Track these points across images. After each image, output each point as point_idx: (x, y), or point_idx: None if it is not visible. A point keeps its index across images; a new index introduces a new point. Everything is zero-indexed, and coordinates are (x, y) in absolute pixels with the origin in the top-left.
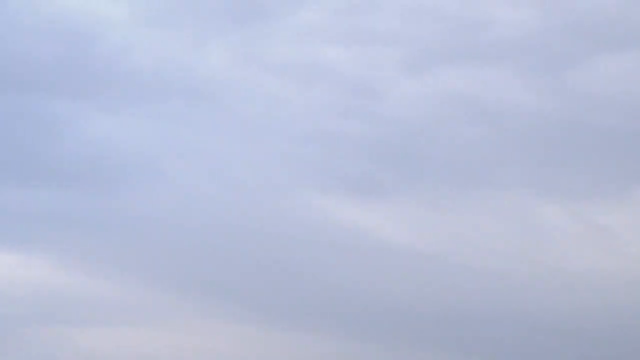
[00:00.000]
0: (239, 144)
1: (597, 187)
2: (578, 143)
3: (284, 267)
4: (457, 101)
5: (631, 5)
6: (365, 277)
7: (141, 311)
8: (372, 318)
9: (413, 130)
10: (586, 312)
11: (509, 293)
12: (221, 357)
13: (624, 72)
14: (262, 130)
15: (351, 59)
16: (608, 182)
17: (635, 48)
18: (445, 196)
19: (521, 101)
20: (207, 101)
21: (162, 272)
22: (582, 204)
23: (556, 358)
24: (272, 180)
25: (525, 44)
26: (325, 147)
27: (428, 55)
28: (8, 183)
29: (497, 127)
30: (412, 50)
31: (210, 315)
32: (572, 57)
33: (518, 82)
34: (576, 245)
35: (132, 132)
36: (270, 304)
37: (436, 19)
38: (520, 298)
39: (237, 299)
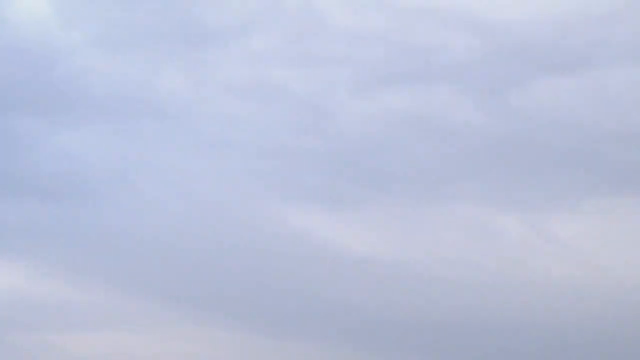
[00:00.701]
0: (203, 160)
1: (551, 200)
2: (529, 159)
3: (253, 276)
4: (408, 119)
5: (568, 31)
6: (330, 284)
7: (114, 316)
8: (338, 324)
9: (367, 146)
10: (543, 317)
11: (469, 300)
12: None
13: (565, 94)
14: (224, 147)
15: (303, 80)
16: (561, 196)
17: (573, 71)
18: (406, 208)
19: (469, 120)
20: (169, 120)
21: (132, 280)
22: (537, 216)
23: None
24: (239, 192)
25: (471, 68)
26: (287, 162)
27: (378, 77)
28: None
29: (448, 144)
30: (362, 72)
31: (183, 321)
32: (515, 80)
33: (465, 102)
34: (532, 254)
35: (99, 148)
36: (241, 311)
37: (386, 43)
38: (481, 304)
39: (206, 306)
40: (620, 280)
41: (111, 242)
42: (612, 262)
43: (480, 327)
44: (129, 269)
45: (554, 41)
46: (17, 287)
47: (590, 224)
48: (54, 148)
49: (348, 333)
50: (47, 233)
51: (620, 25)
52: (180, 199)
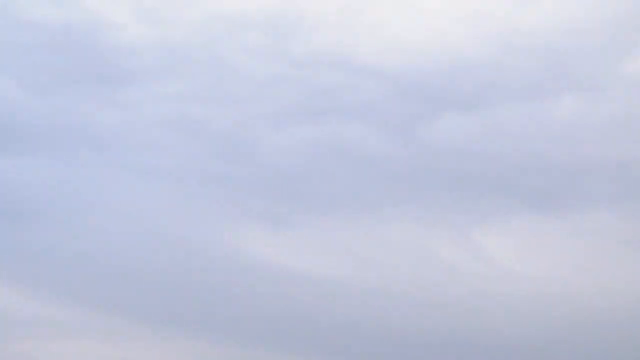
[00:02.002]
0: (142, 186)
1: (480, 219)
2: (447, 184)
3: (203, 291)
4: (326, 150)
5: (463, 74)
6: (270, 297)
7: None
8: (276, 332)
9: (291, 173)
10: (474, 329)
11: (404, 311)
12: None
13: (464, 128)
14: (159, 174)
15: (224, 116)
16: (490, 215)
17: (469, 109)
18: (340, 228)
19: (384, 150)
20: (107, 150)
21: (84, 295)
22: (466, 234)
23: None
24: (181, 215)
25: (379, 106)
26: (221, 187)
27: (293, 113)
28: None
29: (368, 171)
30: (278, 109)
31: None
32: (419, 116)
33: (378, 135)
34: (463, 269)
35: (42, 175)
36: (189, 322)
37: (297, 84)
38: (414, 316)
39: (156, 318)
40: (543, 291)
41: (56, 263)
42: (535, 274)
43: (412, 340)
44: (80, 288)
45: (450, 82)
46: None
47: (514, 242)
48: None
49: (288, 339)
50: None
51: (506, 69)
52: (121, 222)
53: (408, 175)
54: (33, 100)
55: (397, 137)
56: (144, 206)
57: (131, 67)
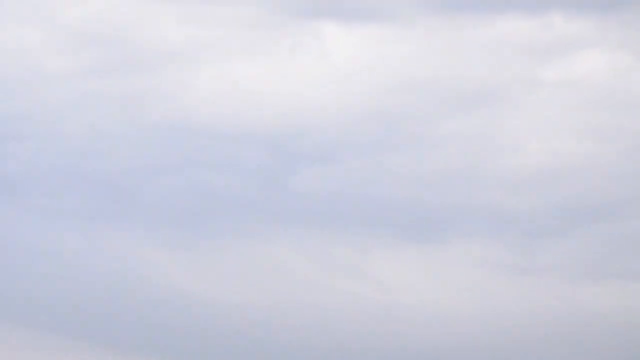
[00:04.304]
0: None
1: (366, 250)
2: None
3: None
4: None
5: (320, 131)
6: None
7: None
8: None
9: (176, 213)
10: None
11: (296, 334)
12: None
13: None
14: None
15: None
16: (374, 247)
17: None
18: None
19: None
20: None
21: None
22: (352, 263)
23: None
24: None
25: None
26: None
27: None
28: None
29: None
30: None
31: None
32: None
33: (257, 183)
34: (351, 294)
35: None
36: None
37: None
38: (304, 338)
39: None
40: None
41: None
42: (420, 298)
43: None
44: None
45: (308, 140)
46: None
47: (398, 270)
48: None
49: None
50: None
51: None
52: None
53: (288, 216)
54: None
55: (271, 185)
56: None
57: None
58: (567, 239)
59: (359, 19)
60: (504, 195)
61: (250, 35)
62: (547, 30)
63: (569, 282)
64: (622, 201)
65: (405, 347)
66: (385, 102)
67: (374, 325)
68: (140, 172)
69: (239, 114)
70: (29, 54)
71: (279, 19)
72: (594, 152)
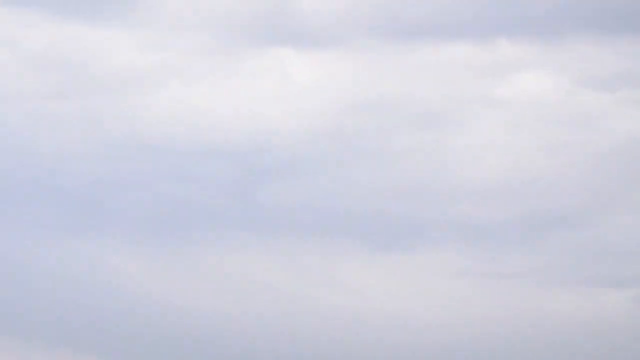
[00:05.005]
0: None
1: (339, 259)
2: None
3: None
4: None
5: (282, 149)
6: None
7: None
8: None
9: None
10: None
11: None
12: None
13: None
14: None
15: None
16: (346, 255)
17: (292, 175)
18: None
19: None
20: None
21: None
22: (324, 272)
23: None
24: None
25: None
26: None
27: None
28: None
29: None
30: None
31: None
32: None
33: (226, 196)
34: (326, 302)
35: None
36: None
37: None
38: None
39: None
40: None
41: None
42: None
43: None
44: None
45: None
46: None
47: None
48: None
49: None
50: None
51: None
52: None
53: (258, 227)
54: None
55: (240, 198)
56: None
57: None
58: (532, 247)
59: (316, 45)
60: (466, 206)
61: (214, 61)
62: (494, 53)
63: (536, 288)
64: (579, 211)
65: (375, 354)
66: (341, 120)
67: (344, 332)
68: (107, 187)
69: (202, 132)
70: None
71: (240, 46)
72: (547, 165)
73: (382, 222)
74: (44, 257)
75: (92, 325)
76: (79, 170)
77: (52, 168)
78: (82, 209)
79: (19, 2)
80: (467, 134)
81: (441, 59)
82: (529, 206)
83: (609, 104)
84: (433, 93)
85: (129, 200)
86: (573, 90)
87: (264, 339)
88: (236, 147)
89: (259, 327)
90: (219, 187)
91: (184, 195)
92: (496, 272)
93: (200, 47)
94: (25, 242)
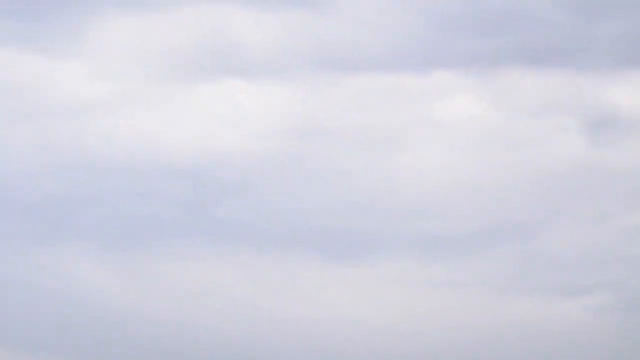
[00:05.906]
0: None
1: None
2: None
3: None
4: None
5: (225, 164)
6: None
7: None
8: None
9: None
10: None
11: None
12: None
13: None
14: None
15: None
16: (298, 267)
17: (245, 193)
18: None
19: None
20: None
21: None
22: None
23: None
24: None
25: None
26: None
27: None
28: None
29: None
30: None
31: None
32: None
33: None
34: (286, 313)
35: None
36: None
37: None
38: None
39: None
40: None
41: None
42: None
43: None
44: None
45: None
46: None
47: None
48: None
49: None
50: None
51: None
52: None
53: (217, 241)
54: None
55: (197, 213)
56: None
57: None
58: (484, 257)
59: (262, 76)
60: (415, 221)
61: (167, 90)
62: (431, 79)
63: (488, 296)
64: (525, 224)
65: None
66: (288, 143)
67: (302, 341)
68: (66, 203)
69: (159, 154)
70: None
71: (191, 76)
72: (489, 182)
73: (335, 235)
74: (6, 268)
75: (57, 333)
76: (35, 186)
77: (5, 185)
78: (43, 223)
79: None
80: (410, 154)
81: (380, 87)
82: (477, 218)
83: (540, 129)
84: (373, 117)
85: (88, 216)
86: (508, 115)
87: (222, 348)
88: (192, 166)
89: (218, 335)
90: (176, 203)
91: (144, 211)
92: (450, 281)
93: (155, 77)
94: None
